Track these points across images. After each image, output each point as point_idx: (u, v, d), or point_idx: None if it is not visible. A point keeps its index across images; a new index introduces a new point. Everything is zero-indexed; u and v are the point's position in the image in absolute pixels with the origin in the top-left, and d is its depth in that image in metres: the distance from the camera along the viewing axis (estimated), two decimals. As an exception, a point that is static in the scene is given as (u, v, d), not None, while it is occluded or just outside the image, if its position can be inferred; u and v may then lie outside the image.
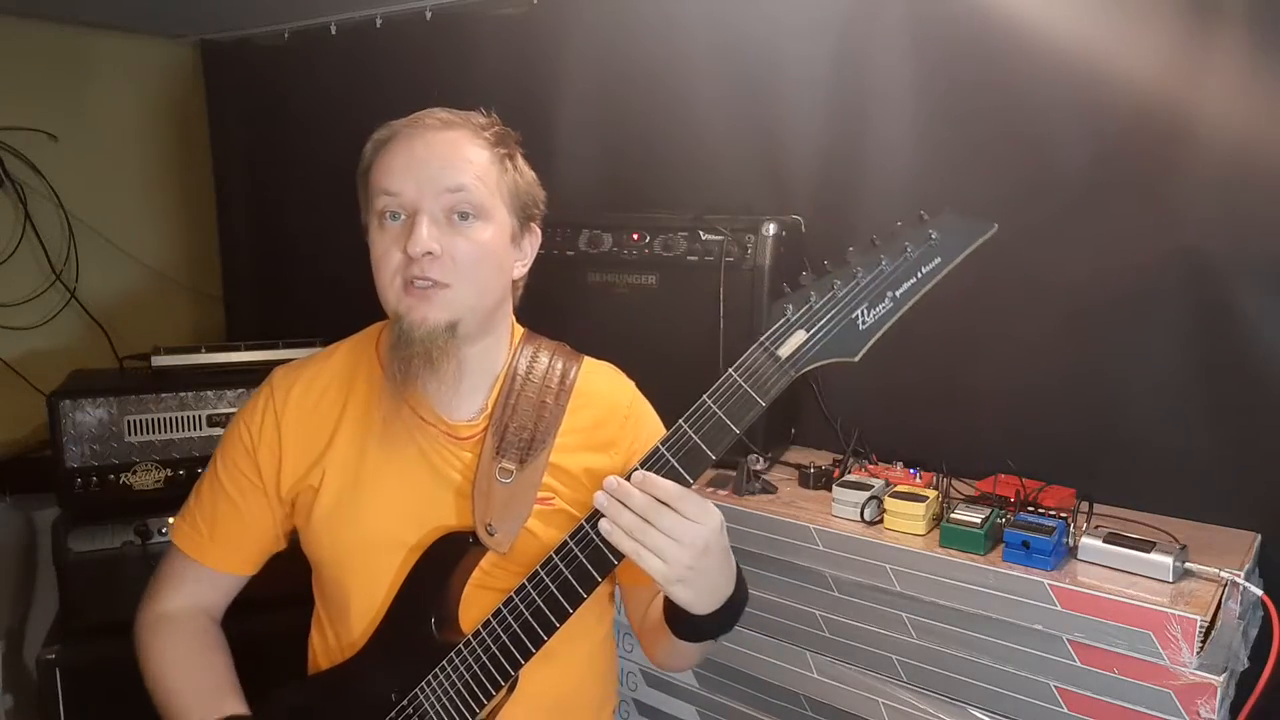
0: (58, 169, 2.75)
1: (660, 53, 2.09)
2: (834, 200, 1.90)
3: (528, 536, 1.18)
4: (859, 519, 1.55)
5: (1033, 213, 1.65)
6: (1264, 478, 1.51)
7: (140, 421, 1.99)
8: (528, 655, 1.09)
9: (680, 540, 0.99)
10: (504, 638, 1.10)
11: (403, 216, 1.12)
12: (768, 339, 0.98)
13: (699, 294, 1.79)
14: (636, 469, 1.02)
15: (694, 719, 1.78)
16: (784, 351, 0.97)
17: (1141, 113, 1.55)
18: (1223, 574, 1.31)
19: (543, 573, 1.08)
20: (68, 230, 2.80)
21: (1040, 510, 1.47)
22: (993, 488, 1.58)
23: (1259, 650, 1.32)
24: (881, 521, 1.54)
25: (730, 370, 0.99)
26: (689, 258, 1.82)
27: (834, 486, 1.61)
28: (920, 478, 1.67)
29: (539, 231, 1.27)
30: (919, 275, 0.95)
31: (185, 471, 2.02)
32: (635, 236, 1.89)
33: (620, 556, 1.02)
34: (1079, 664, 1.32)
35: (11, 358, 2.67)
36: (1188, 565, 1.34)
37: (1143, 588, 1.30)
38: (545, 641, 1.09)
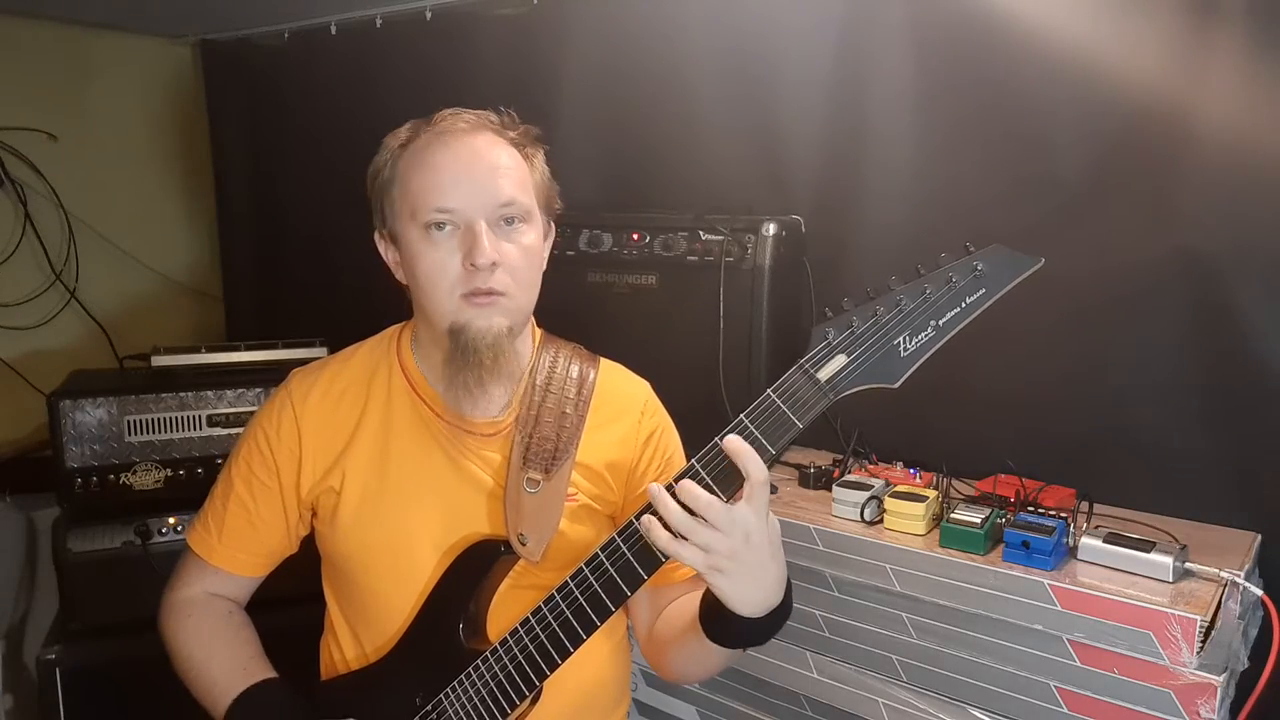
0: (58, 169, 2.75)
1: (660, 52, 2.09)
2: (834, 200, 1.91)
3: (557, 537, 1.19)
4: (859, 519, 1.56)
5: (1033, 213, 1.66)
6: (1264, 478, 1.51)
7: (140, 421, 1.99)
8: (553, 666, 1.09)
9: (722, 529, 0.96)
10: (530, 648, 1.10)
11: (449, 227, 1.12)
12: (808, 361, 0.98)
13: (699, 294, 1.79)
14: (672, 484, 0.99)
15: (694, 719, 1.79)
16: (824, 375, 0.98)
17: (1141, 113, 1.55)
18: (1223, 574, 1.31)
19: (573, 583, 1.07)
20: (68, 230, 2.80)
21: (1040, 510, 1.47)
22: (993, 488, 1.58)
23: (1259, 650, 1.32)
24: (881, 521, 1.55)
25: (769, 391, 0.99)
26: (689, 258, 1.82)
27: (834, 486, 1.61)
28: (920, 478, 1.67)
29: (554, 227, 1.27)
30: (963, 305, 0.96)
31: (185, 471, 2.01)
32: (635, 236, 1.89)
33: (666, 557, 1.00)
34: (1079, 664, 1.32)
35: (11, 358, 2.67)
36: (1188, 565, 1.34)
37: (1143, 588, 1.31)
38: (571, 653, 1.08)
